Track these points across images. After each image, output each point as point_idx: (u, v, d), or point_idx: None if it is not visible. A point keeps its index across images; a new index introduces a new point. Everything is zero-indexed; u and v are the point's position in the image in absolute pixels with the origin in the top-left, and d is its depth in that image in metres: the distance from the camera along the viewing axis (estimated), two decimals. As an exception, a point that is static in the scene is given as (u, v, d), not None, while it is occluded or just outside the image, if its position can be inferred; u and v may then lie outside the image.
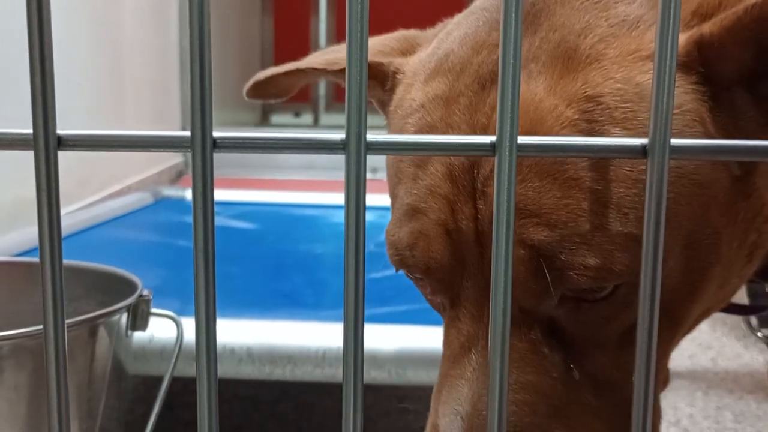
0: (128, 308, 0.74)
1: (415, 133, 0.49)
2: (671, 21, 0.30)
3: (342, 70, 0.58)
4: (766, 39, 0.44)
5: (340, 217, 1.76)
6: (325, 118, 4.03)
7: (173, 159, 2.86)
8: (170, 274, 1.29)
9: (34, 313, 0.72)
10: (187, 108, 2.62)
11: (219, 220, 1.56)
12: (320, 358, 0.85)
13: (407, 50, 0.59)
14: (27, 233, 1.42)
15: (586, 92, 0.44)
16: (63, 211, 1.38)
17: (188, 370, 0.84)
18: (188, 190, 2.11)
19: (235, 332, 0.88)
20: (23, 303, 0.81)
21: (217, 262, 0.31)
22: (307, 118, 4.16)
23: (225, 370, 0.83)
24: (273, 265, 1.46)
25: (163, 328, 0.85)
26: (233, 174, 2.59)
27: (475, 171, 0.45)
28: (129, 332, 0.75)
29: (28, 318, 0.67)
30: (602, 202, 0.43)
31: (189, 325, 0.83)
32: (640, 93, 0.44)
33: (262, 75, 0.65)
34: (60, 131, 0.32)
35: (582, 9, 0.48)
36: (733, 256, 0.48)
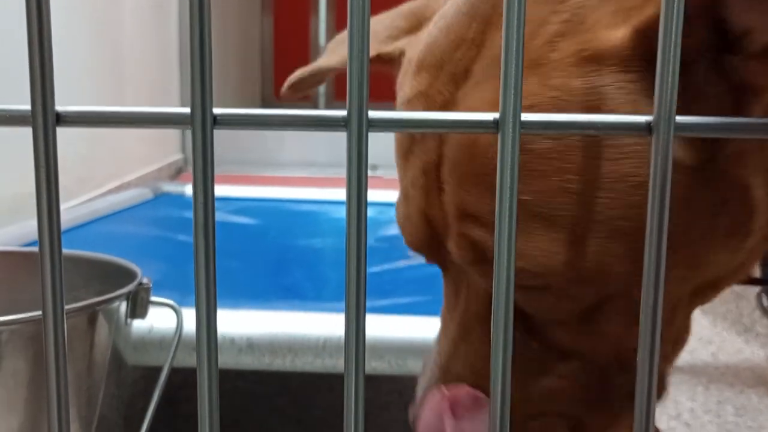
0: (128, 296, 0.74)
1: None
2: (677, -7, 0.29)
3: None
4: (719, 9, 0.42)
5: (339, 212, 1.77)
6: (326, 116, 4.03)
7: (173, 156, 2.86)
8: (170, 267, 1.28)
9: (32, 302, 0.71)
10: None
11: (219, 216, 1.56)
12: (320, 348, 0.85)
13: (415, 27, 0.58)
14: (26, 227, 1.42)
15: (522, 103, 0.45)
16: (62, 207, 1.38)
17: (188, 360, 0.83)
18: (188, 185, 2.11)
19: (235, 322, 0.87)
20: (21, 293, 0.81)
21: (218, 256, 0.31)
22: (307, 115, 4.16)
23: (225, 360, 0.83)
24: (273, 260, 1.46)
25: (162, 319, 0.85)
26: (234, 171, 2.59)
27: (440, 168, 0.48)
28: (128, 320, 0.75)
29: (26, 307, 0.66)
30: (527, 211, 0.44)
31: (188, 316, 0.83)
32: (573, 100, 0.44)
33: (293, 77, 0.72)
34: (59, 108, 0.31)
35: (542, 2, 0.46)
36: (711, 241, 0.47)
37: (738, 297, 1.70)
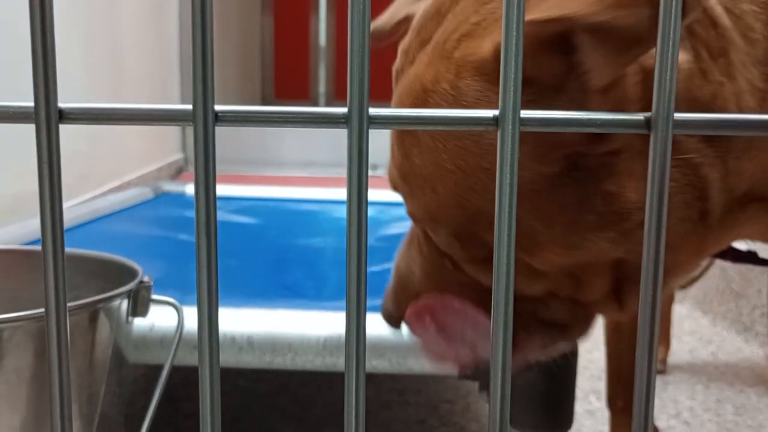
0: (129, 294, 0.74)
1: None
2: (675, -9, 0.29)
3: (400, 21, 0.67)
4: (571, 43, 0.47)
5: (339, 212, 1.77)
6: (326, 115, 4.02)
7: (173, 155, 2.86)
8: (170, 266, 1.29)
9: (34, 300, 0.72)
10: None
11: (220, 215, 1.56)
12: (321, 346, 0.85)
13: None
14: (26, 226, 1.42)
15: (424, 86, 0.53)
16: (63, 206, 1.37)
17: (188, 358, 0.83)
18: (188, 185, 2.11)
19: (236, 321, 0.88)
20: (22, 291, 0.81)
21: (219, 256, 0.31)
22: (307, 115, 4.16)
23: (226, 358, 0.83)
24: (274, 259, 1.46)
25: (163, 317, 0.85)
26: (234, 170, 2.59)
27: (396, 144, 0.57)
28: (130, 318, 0.75)
29: (27, 305, 0.67)
30: (422, 178, 0.55)
31: (189, 314, 0.83)
32: (457, 97, 0.51)
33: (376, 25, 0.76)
34: (61, 104, 0.31)
35: (476, 1, 0.53)
36: (580, 231, 0.54)
37: (738, 296, 1.70)
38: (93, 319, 0.69)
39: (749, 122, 0.33)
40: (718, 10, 0.51)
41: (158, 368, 0.80)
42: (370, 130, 0.31)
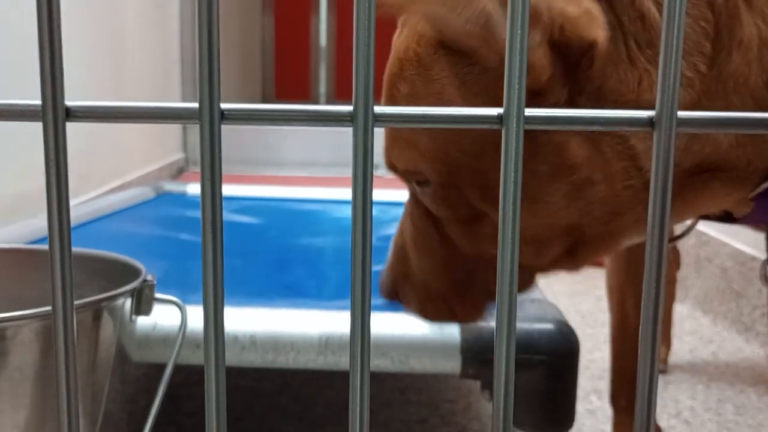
0: (132, 293, 0.74)
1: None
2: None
3: None
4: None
5: (341, 211, 1.77)
6: (326, 115, 4.02)
7: (174, 155, 2.86)
8: (172, 266, 1.29)
9: (37, 299, 0.72)
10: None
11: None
12: (323, 345, 0.85)
13: None
14: (28, 225, 1.43)
15: (398, 56, 0.62)
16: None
17: (191, 357, 0.84)
18: (189, 185, 2.11)
19: (239, 320, 0.88)
20: (26, 289, 0.82)
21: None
22: (308, 115, 4.16)
23: (228, 357, 0.84)
24: (275, 258, 1.46)
25: (166, 316, 0.85)
26: (236, 170, 2.60)
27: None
28: (133, 317, 0.75)
29: (31, 304, 0.67)
30: (406, 139, 0.63)
31: (192, 313, 0.83)
32: (419, 63, 0.60)
33: None
34: (68, 102, 0.32)
35: None
36: (538, 185, 0.60)
37: (738, 296, 1.70)
38: (97, 317, 0.69)
39: (751, 120, 0.33)
40: (647, 5, 0.57)
41: (160, 367, 0.81)
42: (375, 129, 0.31)
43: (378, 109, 0.32)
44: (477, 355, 0.87)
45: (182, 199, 2.01)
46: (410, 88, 0.61)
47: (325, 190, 2.05)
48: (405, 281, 0.71)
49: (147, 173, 2.46)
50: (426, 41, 0.60)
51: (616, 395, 1.06)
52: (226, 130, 0.32)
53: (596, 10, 0.56)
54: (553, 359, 0.88)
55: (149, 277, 0.76)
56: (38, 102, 0.31)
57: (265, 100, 4.26)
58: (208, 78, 0.31)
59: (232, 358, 0.85)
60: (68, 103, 0.32)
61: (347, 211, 1.63)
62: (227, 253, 0.32)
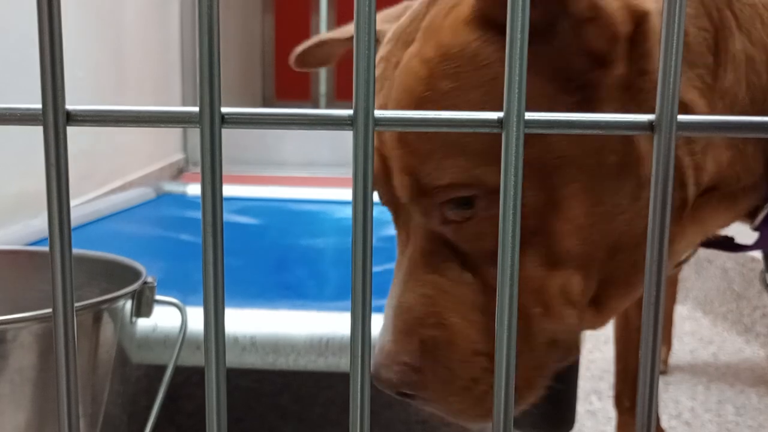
0: (133, 294, 0.74)
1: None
2: (679, -5, 0.30)
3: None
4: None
5: (341, 212, 1.77)
6: (326, 116, 4.03)
7: (174, 155, 2.86)
8: (172, 267, 1.29)
9: (38, 300, 0.72)
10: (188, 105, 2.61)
11: (221, 215, 1.56)
12: (323, 346, 0.85)
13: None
14: (29, 226, 1.43)
15: (425, 55, 0.56)
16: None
17: (191, 358, 0.84)
18: (189, 185, 2.11)
19: (239, 321, 0.88)
20: (27, 291, 0.82)
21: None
22: (308, 115, 4.16)
23: (229, 358, 0.84)
24: (275, 259, 1.46)
25: (166, 318, 0.85)
26: (235, 171, 2.60)
27: (385, 147, 0.57)
28: (133, 318, 0.75)
29: (31, 305, 0.67)
30: (452, 142, 0.55)
31: (192, 314, 0.83)
32: (461, 53, 0.54)
33: (299, 48, 0.82)
34: (69, 106, 0.32)
35: None
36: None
37: (739, 297, 1.70)
38: (97, 319, 0.70)
39: (750, 124, 0.33)
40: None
41: (161, 368, 0.81)
42: (375, 132, 0.31)
43: (378, 112, 0.32)
44: (477, 357, 0.87)
45: (182, 199, 2.02)
46: (456, 82, 0.54)
47: (325, 191, 2.05)
48: (425, 365, 0.56)
49: (147, 174, 2.46)
50: (461, 28, 0.55)
51: (619, 396, 1.06)
52: (226, 130, 0.33)
53: None
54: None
55: (150, 279, 0.77)
56: (39, 106, 0.31)
57: (265, 100, 4.26)
58: (208, 82, 0.31)
59: (232, 360, 0.85)
60: (69, 107, 0.32)
61: (347, 212, 1.63)
62: (227, 253, 0.32)
